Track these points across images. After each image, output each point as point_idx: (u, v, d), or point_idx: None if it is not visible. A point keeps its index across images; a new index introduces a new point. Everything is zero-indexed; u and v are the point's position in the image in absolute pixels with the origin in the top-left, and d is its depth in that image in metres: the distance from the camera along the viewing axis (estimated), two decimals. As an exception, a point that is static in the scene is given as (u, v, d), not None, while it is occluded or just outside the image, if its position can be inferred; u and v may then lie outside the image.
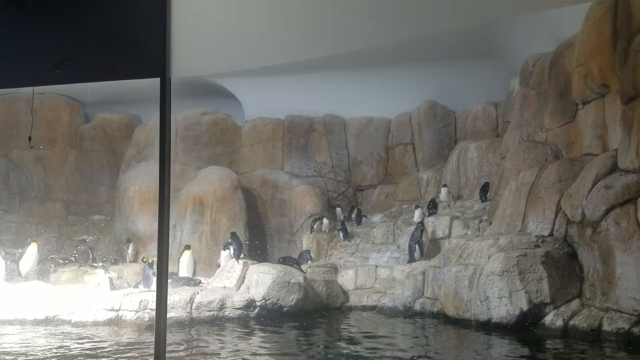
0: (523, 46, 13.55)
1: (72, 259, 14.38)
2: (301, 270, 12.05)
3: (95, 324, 9.95)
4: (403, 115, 18.01)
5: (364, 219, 16.55)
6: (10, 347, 8.13)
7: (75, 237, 16.09)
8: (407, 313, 10.91)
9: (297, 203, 16.93)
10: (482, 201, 14.37)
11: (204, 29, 2.74)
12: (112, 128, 17.90)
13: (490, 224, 12.19)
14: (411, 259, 12.68)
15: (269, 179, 17.47)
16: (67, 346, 8.18)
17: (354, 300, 12.09)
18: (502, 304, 8.68)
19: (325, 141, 18.23)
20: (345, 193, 18.04)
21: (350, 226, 16.10)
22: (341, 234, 15.43)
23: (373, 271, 12.69)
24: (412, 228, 13.40)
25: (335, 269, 13.15)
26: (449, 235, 13.28)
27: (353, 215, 16.64)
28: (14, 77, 2.55)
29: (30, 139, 13.48)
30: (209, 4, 2.59)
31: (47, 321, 10.05)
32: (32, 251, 13.05)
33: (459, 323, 9.46)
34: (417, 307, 10.88)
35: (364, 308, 11.78)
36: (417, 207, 14.82)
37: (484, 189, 14.54)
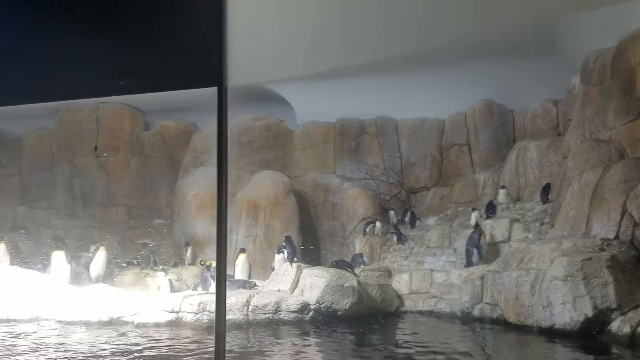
0: (583, 41, 13.02)
1: (135, 262, 14.90)
2: (354, 274, 12.00)
3: (157, 325, 10.27)
4: (457, 115, 17.64)
5: (417, 222, 16.32)
6: (77, 348, 8.49)
7: (137, 241, 16.65)
8: (466, 319, 10.68)
9: (349, 206, 16.89)
10: (543, 203, 13.88)
11: (259, 40, 2.77)
12: (171, 135, 18.44)
13: (552, 226, 11.81)
14: (469, 263, 12.40)
15: (321, 182, 17.51)
16: (130, 346, 8.46)
17: (409, 304, 11.93)
18: (565, 310, 8.40)
19: (376, 143, 18.11)
20: (398, 195, 17.85)
21: (404, 229, 15.91)
22: (395, 237, 15.27)
23: (429, 275, 12.48)
24: (469, 231, 13.11)
25: (389, 273, 13.02)
26: (509, 239, 12.91)
27: (406, 218, 16.44)
28: (80, 89, 2.66)
29: (96, 148, 14.05)
30: (264, 16, 2.61)
31: (111, 323, 10.45)
32: (101, 255, 13.63)
33: (520, 329, 9.20)
34: (476, 312, 10.63)
35: (420, 313, 11.61)
36: (473, 209, 14.48)
37: (545, 190, 14.04)
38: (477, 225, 13.20)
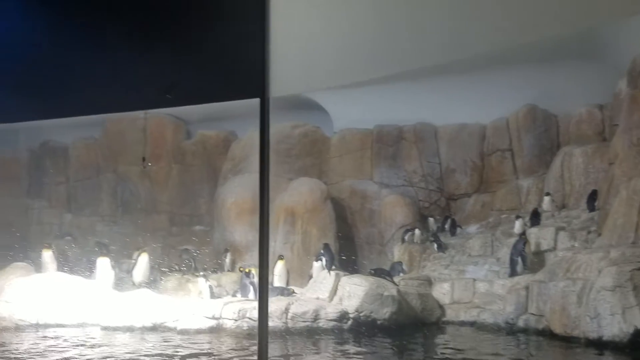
0: (630, 45, 12.60)
1: (176, 267, 15.13)
2: (394, 283, 11.86)
3: (199, 331, 10.39)
4: (499, 121, 17.27)
5: (458, 230, 16.01)
6: (122, 353, 8.65)
7: (178, 247, 16.92)
8: (510, 329, 10.44)
9: (387, 213, 16.73)
10: (590, 210, 13.42)
11: (301, 51, 2.76)
12: (211, 144, 18.74)
13: (600, 235, 11.44)
14: (513, 273, 12.08)
15: (358, 189, 17.42)
16: (174, 352, 8.57)
17: (450, 315, 11.71)
18: (614, 321, 8.16)
19: (415, 149, 17.90)
20: (438, 202, 17.57)
21: (444, 237, 15.62)
22: (435, 245, 15.02)
23: (471, 285, 12.23)
24: (513, 240, 12.81)
25: (429, 282, 12.81)
26: (555, 248, 12.54)
27: (447, 226, 16.15)
28: (127, 101, 2.71)
29: (144, 159, 14.33)
30: (306, 28, 2.59)
31: (154, 328, 10.62)
32: (143, 261, 13.90)
33: (567, 341, 8.96)
34: (521, 323, 10.37)
35: (462, 323, 11.38)
36: (517, 217, 14.12)
37: (592, 197, 13.58)
38: (521, 234, 12.88)
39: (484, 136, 17.51)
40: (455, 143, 17.70)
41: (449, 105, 16.90)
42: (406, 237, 15.52)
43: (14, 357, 8.50)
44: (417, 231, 15.44)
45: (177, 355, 8.43)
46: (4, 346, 9.56)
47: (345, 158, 18.02)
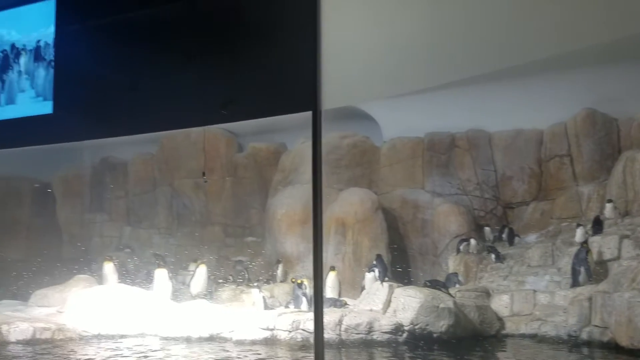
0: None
1: (230, 278, 15.37)
2: (450, 295, 11.61)
3: (253, 342, 10.51)
4: (557, 126, 16.66)
5: (516, 239, 15.51)
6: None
7: (232, 258, 17.20)
8: (573, 342, 10.07)
9: (441, 223, 16.41)
10: (656, 218, 12.77)
11: (351, 64, 2.75)
12: (262, 156, 19.02)
13: (668, 243, 10.84)
14: (575, 283, 11.61)
15: (409, 198, 17.18)
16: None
17: (510, 327, 11.35)
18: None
19: (469, 157, 17.52)
20: (494, 211, 17.10)
21: (501, 247, 15.17)
22: (492, 256, 14.61)
23: (531, 296, 11.82)
24: (574, 249, 12.32)
25: (487, 294, 12.46)
26: (619, 257, 11.95)
27: (504, 235, 15.65)
28: (185, 119, 2.79)
29: (204, 174, 14.76)
30: (358, 40, 2.59)
31: (210, 339, 10.81)
32: (202, 272, 14.21)
33: (634, 354, 8.67)
34: (584, 336, 10.00)
35: (523, 336, 11.02)
36: (578, 225, 13.56)
37: (658, 203, 12.91)
38: (583, 242, 12.37)
39: (541, 142, 16.92)
40: (511, 149, 17.19)
41: (503, 111, 16.48)
42: (461, 247, 15.16)
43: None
44: (472, 241, 15.06)
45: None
46: (69, 357, 9.95)
47: (395, 167, 17.84)
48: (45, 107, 7.96)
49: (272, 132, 18.18)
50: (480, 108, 16.65)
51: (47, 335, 11.29)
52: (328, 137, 17.57)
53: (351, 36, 2.54)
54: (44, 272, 14.69)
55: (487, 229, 16.14)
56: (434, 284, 12.14)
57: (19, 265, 15.20)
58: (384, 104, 16.95)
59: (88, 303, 12.36)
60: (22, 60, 8.20)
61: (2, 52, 8.50)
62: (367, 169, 17.94)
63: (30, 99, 8.03)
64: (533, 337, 10.87)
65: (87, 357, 10.09)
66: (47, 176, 18.80)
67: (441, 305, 10.72)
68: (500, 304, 11.97)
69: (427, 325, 10.51)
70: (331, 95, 2.77)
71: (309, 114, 4.09)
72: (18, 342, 10.96)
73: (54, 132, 7.59)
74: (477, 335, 10.94)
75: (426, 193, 17.20)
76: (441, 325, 10.55)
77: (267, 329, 10.66)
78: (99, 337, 11.63)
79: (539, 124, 16.78)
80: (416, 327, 10.49)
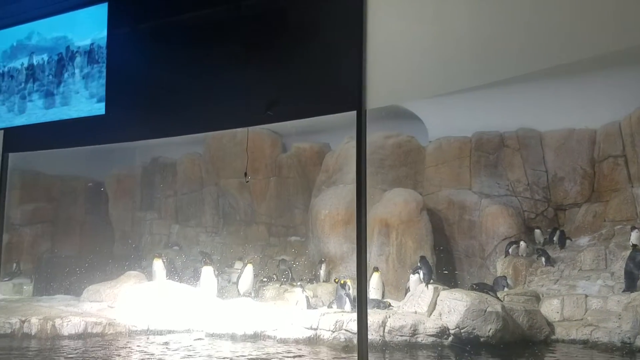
0: None
1: (274, 277, 15.52)
2: (497, 298, 11.33)
3: (297, 341, 10.55)
4: (611, 125, 16.00)
5: (568, 242, 14.99)
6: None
7: (276, 257, 17.36)
8: (627, 349, 9.65)
9: (489, 225, 16.02)
10: None
11: (395, 64, 2.71)
12: (305, 156, 19.11)
13: None
14: (629, 288, 11.15)
15: (456, 199, 16.85)
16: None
17: (560, 332, 10.97)
18: None
19: (518, 157, 17.04)
20: (545, 213, 16.57)
21: (552, 250, 14.70)
22: (542, 259, 14.18)
23: (582, 301, 11.40)
24: (628, 252, 11.81)
25: (536, 298, 12.11)
26: (677, 261, 11.40)
27: (555, 238, 15.15)
28: (231, 119, 2.82)
29: (246, 174, 15.00)
30: (403, 39, 2.55)
31: (255, 336, 10.94)
32: (249, 271, 14.45)
33: None
34: (639, 343, 9.56)
35: (573, 342, 10.63)
36: (633, 228, 12.97)
37: None
38: (637, 246, 11.85)
39: (594, 142, 16.29)
40: (563, 149, 16.62)
41: (554, 110, 15.95)
42: (510, 250, 14.77)
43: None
44: (522, 243, 14.66)
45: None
46: (120, 350, 10.27)
47: (441, 168, 17.54)
48: (99, 109, 8.28)
49: (316, 132, 18.23)
50: (531, 106, 16.16)
51: (98, 329, 11.68)
52: (372, 136, 17.41)
53: (396, 34, 2.50)
54: (96, 268, 15.22)
55: (537, 231, 15.66)
56: (481, 287, 11.89)
57: (72, 261, 15.80)
58: (429, 102, 16.67)
59: (138, 299, 12.71)
60: (77, 62, 8.56)
61: (57, 55, 8.89)
62: (412, 169, 17.71)
63: (84, 101, 8.36)
64: (584, 343, 10.48)
65: (140, 349, 10.39)
66: (100, 175, 19.49)
67: (489, 309, 10.46)
68: (551, 308, 11.61)
69: (473, 329, 10.28)
70: (376, 94, 2.74)
71: (353, 114, 4.06)
72: (70, 336, 11.39)
73: (107, 132, 7.86)
74: (525, 340, 10.63)
75: (473, 194, 16.84)
76: (488, 330, 10.30)
77: (311, 328, 10.69)
78: (147, 332, 11.94)
79: (591, 124, 16.17)
80: (462, 330, 10.28)
